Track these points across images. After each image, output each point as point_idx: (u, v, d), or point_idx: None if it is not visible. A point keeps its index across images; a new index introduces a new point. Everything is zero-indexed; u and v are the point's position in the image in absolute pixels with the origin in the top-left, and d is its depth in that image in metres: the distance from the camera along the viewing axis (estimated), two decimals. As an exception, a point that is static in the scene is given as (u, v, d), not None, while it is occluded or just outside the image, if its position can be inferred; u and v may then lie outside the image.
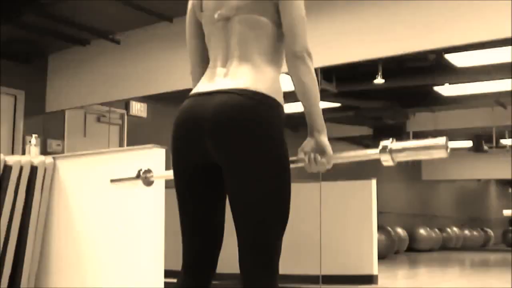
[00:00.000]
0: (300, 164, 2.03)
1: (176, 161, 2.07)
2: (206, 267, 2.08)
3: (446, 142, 1.82)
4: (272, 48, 2.06)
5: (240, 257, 1.96)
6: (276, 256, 1.95)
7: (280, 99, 2.01)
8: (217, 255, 2.09)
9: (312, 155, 2.00)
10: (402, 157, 1.91)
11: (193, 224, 2.07)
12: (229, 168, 1.95)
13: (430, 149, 1.86)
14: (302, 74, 2.00)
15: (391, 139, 1.93)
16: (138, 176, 2.46)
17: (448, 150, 1.83)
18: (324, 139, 2.01)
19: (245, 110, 1.93)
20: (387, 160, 1.92)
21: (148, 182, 2.47)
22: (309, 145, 2.02)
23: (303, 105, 2.01)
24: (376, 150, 1.94)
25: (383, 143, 1.92)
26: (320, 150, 2.01)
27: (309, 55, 2.02)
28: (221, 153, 1.95)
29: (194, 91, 2.09)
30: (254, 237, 1.94)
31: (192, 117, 2.00)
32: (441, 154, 1.84)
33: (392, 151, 1.90)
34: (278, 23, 2.05)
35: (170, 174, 2.18)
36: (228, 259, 2.03)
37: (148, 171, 2.46)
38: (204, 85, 2.06)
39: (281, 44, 2.08)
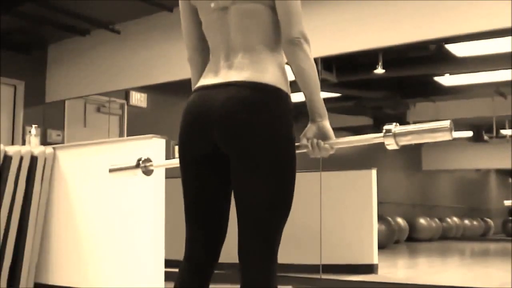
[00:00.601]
0: (303, 150, 2.02)
1: (183, 152, 2.07)
2: (209, 258, 2.07)
3: (451, 125, 1.82)
4: (273, 36, 2.04)
5: (240, 247, 1.96)
6: (276, 247, 1.95)
7: (287, 88, 2.01)
8: (221, 246, 2.09)
9: (315, 141, 1.99)
10: (406, 141, 1.90)
11: (198, 214, 2.07)
12: (236, 159, 1.95)
13: (435, 131, 1.86)
14: (300, 60, 1.97)
15: (394, 123, 1.92)
16: (137, 166, 2.45)
17: (453, 133, 1.83)
18: (326, 124, 2.01)
19: (253, 103, 1.93)
20: (391, 144, 1.91)
21: (148, 171, 2.45)
22: (311, 131, 2.00)
23: (303, 91, 2.00)
24: (380, 134, 1.93)
25: (386, 126, 1.91)
26: (322, 135, 2.00)
27: (306, 40, 1.99)
28: (229, 145, 1.95)
29: (200, 83, 2.07)
30: (256, 228, 1.94)
31: (200, 111, 2.00)
32: (446, 136, 1.84)
33: (396, 135, 1.90)
34: (275, 10, 2.03)
35: (169, 163, 2.17)
36: (228, 248, 2.03)
37: (148, 160, 2.45)
38: (210, 78, 2.05)
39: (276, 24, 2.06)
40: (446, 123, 1.83)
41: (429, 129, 1.87)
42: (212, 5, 2.07)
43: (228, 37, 2.06)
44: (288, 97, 2.00)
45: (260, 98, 1.94)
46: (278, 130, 1.94)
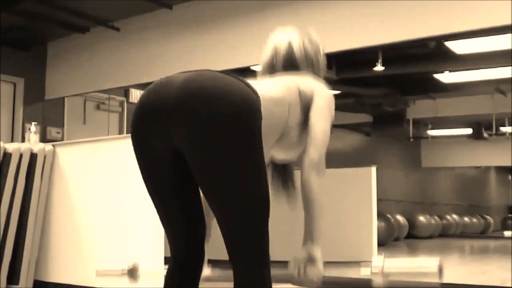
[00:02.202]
0: (289, 273, 1.98)
1: (140, 151, 1.98)
2: (192, 255, 2.03)
3: (440, 265, 1.80)
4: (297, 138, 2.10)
5: (226, 246, 1.88)
6: (262, 243, 1.87)
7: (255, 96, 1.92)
8: (202, 240, 2.03)
9: (302, 267, 1.96)
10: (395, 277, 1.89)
11: (170, 215, 2.02)
12: (192, 149, 1.84)
13: (423, 275, 1.84)
14: (315, 182, 2.02)
15: (382, 256, 1.90)
16: (124, 273, 2.41)
17: (442, 275, 1.81)
18: (317, 251, 1.98)
19: (207, 82, 1.84)
20: (377, 281, 1.91)
21: (135, 278, 2.42)
22: (301, 255, 1.98)
23: (306, 210, 2.01)
24: (368, 270, 1.92)
25: (374, 263, 1.89)
26: (311, 261, 1.97)
27: (323, 168, 2.06)
28: (181, 135, 1.84)
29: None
30: (231, 227, 1.86)
31: (154, 97, 1.90)
32: (435, 278, 1.82)
33: (384, 274, 1.89)
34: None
35: (154, 270, 2.10)
36: (223, 245, 2.02)
37: (135, 269, 2.41)
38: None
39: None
40: (434, 264, 1.81)
41: (417, 272, 1.85)
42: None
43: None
44: (256, 96, 1.91)
45: (221, 79, 1.86)
46: (239, 113, 1.82)
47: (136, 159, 1.99)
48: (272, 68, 2.29)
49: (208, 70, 1.91)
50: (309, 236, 2.00)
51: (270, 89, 2.04)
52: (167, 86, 1.87)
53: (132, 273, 2.41)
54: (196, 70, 1.91)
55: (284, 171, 2.31)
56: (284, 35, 2.34)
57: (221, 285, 3.94)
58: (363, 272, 1.82)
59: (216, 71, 1.91)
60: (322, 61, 2.36)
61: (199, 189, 1.95)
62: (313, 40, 2.37)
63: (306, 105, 2.11)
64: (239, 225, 1.85)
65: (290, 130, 2.07)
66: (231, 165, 1.81)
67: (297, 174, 2.08)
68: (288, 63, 2.29)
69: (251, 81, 1.97)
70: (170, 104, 1.83)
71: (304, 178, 2.03)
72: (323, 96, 2.19)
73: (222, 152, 1.80)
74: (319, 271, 1.97)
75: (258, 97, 1.90)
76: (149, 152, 1.95)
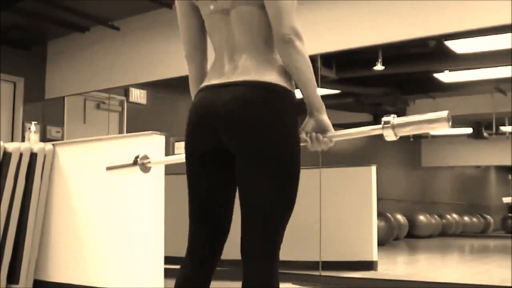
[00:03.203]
0: (302, 144, 2.01)
1: (189, 150, 2.08)
2: (211, 253, 2.08)
3: (448, 115, 1.82)
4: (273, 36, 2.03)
5: (242, 244, 1.96)
6: (278, 245, 1.96)
7: (291, 86, 2.01)
8: (223, 242, 2.09)
9: (314, 134, 1.99)
10: (405, 132, 1.91)
11: (202, 210, 2.07)
12: (241, 158, 1.97)
13: (433, 122, 1.86)
14: (292, 58, 1.95)
15: (393, 115, 1.92)
16: (135, 163, 2.44)
17: (450, 123, 1.83)
18: (324, 117, 2.00)
19: (256, 101, 1.94)
20: (389, 135, 1.92)
21: (146, 169, 2.45)
22: (309, 125, 2.00)
23: (299, 87, 2.00)
24: (379, 126, 1.93)
25: (385, 118, 1.91)
26: (321, 128, 1.99)
27: (298, 36, 1.95)
28: (234, 143, 1.97)
29: (205, 83, 2.08)
30: (259, 226, 1.94)
31: (205, 110, 2.01)
32: (444, 126, 1.84)
33: (394, 126, 1.90)
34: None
35: (167, 159, 2.16)
36: (230, 245, 2.03)
37: (145, 157, 2.44)
38: (215, 78, 2.05)
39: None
40: (444, 113, 1.84)
41: (427, 119, 1.87)
42: (212, 7, 2.07)
43: (232, 39, 2.06)
44: (292, 94, 2.01)
45: (263, 95, 1.95)
46: (282, 127, 1.95)
47: (186, 159, 2.11)
48: None
49: (248, 84, 1.98)
50: (311, 107, 2.00)
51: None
52: (215, 102, 2.00)
53: (142, 164, 2.42)
54: (239, 84, 1.99)
55: None
56: None
57: (222, 285, 3.94)
58: (375, 127, 1.81)
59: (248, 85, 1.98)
60: None
61: (234, 191, 2.08)
62: None
63: None
64: (265, 226, 1.94)
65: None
66: (277, 175, 1.94)
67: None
68: None
69: None
70: (221, 113, 1.97)
71: (281, 58, 1.99)
72: None
73: (269, 164, 1.93)
74: (331, 133, 2.00)
75: (286, 91, 1.99)
76: (199, 156, 2.06)
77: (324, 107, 2.01)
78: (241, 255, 1.96)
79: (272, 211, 1.94)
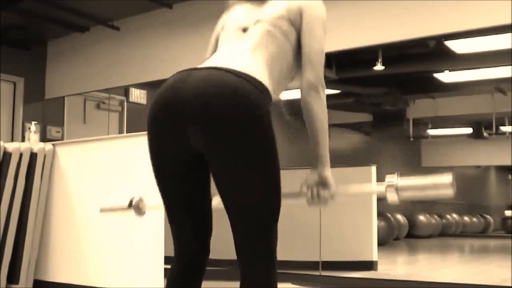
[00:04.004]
0: (302, 198, 1.99)
1: (154, 148, 1.98)
2: (198, 261, 2.03)
3: (453, 180, 1.80)
4: (281, 58, 2.04)
5: (235, 245, 1.91)
6: (272, 243, 1.89)
7: (271, 98, 1.96)
8: (209, 240, 2.04)
9: (315, 190, 1.97)
10: (407, 196, 1.89)
11: (178, 214, 2.02)
12: (213, 151, 1.86)
13: (436, 187, 1.84)
14: (314, 103, 1.97)
15: (396, 174, 1.90)
16: (130, 205, 2.42)
17: (454, 188, 1.81)
18: (328, 173, 1.98)
19: (234, 87, 1.84)
20: (392, 198, 1.90)
21: (140, 212, 2.42)
22: (312, 179, 1.99)
23: (310, 136, 1.99)
24: (382, 186, 1.91)
25: (388, 179, 1.90)
26: (323, 184, 1.98)
27: (323, 87, 2.01)
28: (204, 139, 1.85)
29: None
30: (245, 227, 1.88)
31: (171, 95, 1.89)
32: (447, 192, 1.82)
33: (398, 188, 1.88)
34: (295, 46, 2.07)
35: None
36: (229, 245, 2.02)
37: (140, 200, 2.41)
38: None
39: (293, 63, 2.08)
40: (448, 179, 1.81)
41: (431, 184, 1.85)
42: (236, 27, 2.11)
43: (242, 42, 2.05)
44: (270, 98, 1.95)
45: (243, 83, 1.85)
46: (259, 118, 1.85)
47: (150, 155, 1.99)
48: None
49: (217, 69, 1.89)
50: (317, 159, 1.99)
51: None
52: (183, 84, 1.87)
53: (137, 207, 2.40)
54: (207, 68, 1.92)
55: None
56: None
57: (222, 285, 3.95)
58: (378, 188, 1.80)
59: (225, 70, 1.89)
60: None
61: (209, 185, 1.99)
62: None
63: (295, 23, 2.09)
64: (251, 225, 1.88)
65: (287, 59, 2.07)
66: (250, 167, 1.83)
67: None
68: None
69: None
70: (187, 104, 1.83)
71: (303, 102, 2.00)
72: (313, 9, 2.16)
73: (241, 154, 1.82)
74: (332, 191, 1.98)
75: (269, 95, 1.93)
76: (164, 150, 1.94)
77: (329, 162, 1.99)
78: (237, 258, 1.91)
79: (255, 212, 1.87)
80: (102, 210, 2.51)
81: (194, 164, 1.94)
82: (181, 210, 2.02)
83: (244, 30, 2.07)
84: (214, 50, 2.19)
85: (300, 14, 2.09)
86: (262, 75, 1.94)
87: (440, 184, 1.82)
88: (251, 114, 1.82)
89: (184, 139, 1.86)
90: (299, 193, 1.99)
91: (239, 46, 2.04)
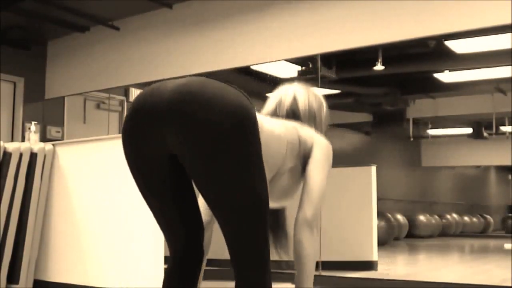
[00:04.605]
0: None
1: (132, 154, 1.95)
2: (193, 262, 2.03)
3: None
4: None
5: (227, 247, 1.89)
6: (263, 244, 1.87)
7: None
8: (201, 240, 2.03)
9: None
10: None
11: (166, 219, 2.02)
12: (190, 151, 1.81)
13: None
14: (306, 240, 2.04)
15: None
16: None
17: None
18: None
19: (212, 87, 1.82)
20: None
21: None
22: None
23: (296, 268, 2.05)
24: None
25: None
26: None
27: (317, 226, 2.08)
28: (179, 140, 1.82)
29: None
30: (231, 229, 1.86)
31: (149, 99, 1.87)
32: None
33: None
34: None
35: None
36: (225, 245, 2.01)
37: None
38: None
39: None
40: None
41: None
42: None
43: None
44: (250, 102, 1.89)
45: (223, 85, 1.84)
46: (239, 112, 1.81)
47: (126, 161, 1.96)
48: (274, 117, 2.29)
49: (199, 76, 1.90)
50: None
51: (269, 123, 2.06)
52: (160, 91, 1.87)
53: None
54: (187, 76, 1.92)
55: (274, 222, 2.32)
56: (289, 89, 2.36)
57: (221, 285, 3.95)
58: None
59: (206, 77, 1.89)
60: (325, 117, 2.33)
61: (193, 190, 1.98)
62: (317, 96, 2.34)
63: (304, 153, 2.15)
64: (238, 227, 1.85)
65: (283, 173, 2.10)
66: (230, 168, 1.79)
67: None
68: (291, 114, 2.30)
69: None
70: (163, 108, 1.81)
71: (297, 237, 2.07)
72: (323, 148, 2.19)
73: (219, 155, 1.78)
74: None
75: (251, 103, 1.88)
76: (143, 156, 1.92)
77: None
78: (230, 259, 1.89)
79: (238, 214, 1.84)
80: None
81: (173, 168, 1.92)
82: (168, 214, 2.02)
83: None
84: None
85: (312, 145, 2.16)
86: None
87: None
88: (231, 116, 1.79)
89: (161, 142, 1.85)
90: None
91: None
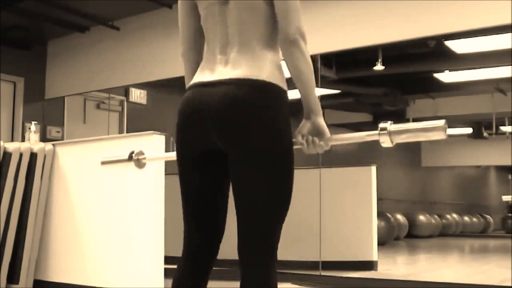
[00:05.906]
0: (297, 147, 2.01)
1: (180, 150, 2.06)
2: (207, 258, 2.07)
3: (445, 124, 1.83)
4: (270, 32, 2.02)
5: (239, 244, 1.95)
6: (276, 244, 1.95)
7: (283, 85, 1.99)
8: (219, 242, 2.09)
9: (310, 138, 1.98)
10: (401, 139, 1.91)
11: (196, 210, 2.06)
12: (235, 158, 1.95)
13: (429, 131, 1.86)
14: (296, 58, 1.96)
15: (389, 121, 1.92)
16: (130, 158, 2.43)
17: (446, 132, 1.84)
18: (321, 121, 1.99)
19: (250, 101, 1.91)
20: (385, 142, 1.92)
21: (140, 164, 2.43)
22: (305, 128, 1.99)
23: (298, 89, 1.99)
24: (375, 132, 1.93)
25: (382, 125, 1.91)
26: (317, 131, 1.98)
27: (303, 37, 1.97)
28: (227, 144, 1.94)
29: (196, 80, 2.05)
30: (255, 226, 1.93)
31: (197, 108, 1.98)
32: (440, 135, 1.85)
33: (391, 133, 1.90)
34: (273, 6, 2.01)
35: (163, 156, 2.14)
36: (229, 245, 2.02)
37: (140, 153, 2.43)
38: (206, 75, 2.02)
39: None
40: (441, 122, 1.83)
41: (423, 128, 1.87)
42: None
43: (226, 30, 2.03)
44: (285, 94, 1.99)
45: (257, 96, 1.93)
46: (275, 128, 1.93)
47: (177, 161, 2.09)
48: None
49: (240, 83, 1.95)
50: (308, 110, 2.00)
51: None
52: (208, 96, 1.97)
53: (137, 160, 2.41)
54: (230, 82, 1.96)
55: None
56: None
57: (221, 285, 3.94)
58: (371, 134, 1.82)
59: (247, 81, 1.95)
60: None
61: (228, 193, 2.08)
62: None
63: None
64: (260, 226, 1.93)
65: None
66: (271, 174, 1.92)
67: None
68: None
69: None
70: (212, 112, 1.94)
71: (284, 57, 2.00)
72: None
73: (263, 164, 1.92)
74: (327, 137, 2.00)
75: (279, 90, 1.97)
76: (189, 153, 2.05)
77: (321, 110, 2.00)
78: (238, 256, 1.95)
79: (268, 212, 1.93)
80: (103, 163, 2.54)
81: (213, 164, 2.03)
82: (197, 204, 2.06)
83: (223, 3, 2.03)
84: (194, 25, 2.17)
85: None
86: (266, 73, 1.96)
87: (434, 127, 1.84)
88: (264, 119, 1.92)
89: (207, 142, 1.99)
90: (295, 142, 2.00)
91: (230, 35, 2.03)
